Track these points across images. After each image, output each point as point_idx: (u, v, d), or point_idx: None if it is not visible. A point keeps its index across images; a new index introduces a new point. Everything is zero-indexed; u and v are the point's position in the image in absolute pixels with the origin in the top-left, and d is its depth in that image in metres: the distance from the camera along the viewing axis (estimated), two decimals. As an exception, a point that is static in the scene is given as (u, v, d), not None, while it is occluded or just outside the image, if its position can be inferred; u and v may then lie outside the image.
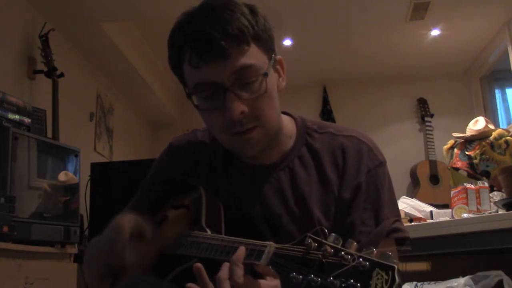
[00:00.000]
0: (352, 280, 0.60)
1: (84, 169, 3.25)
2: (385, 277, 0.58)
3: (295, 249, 0.69)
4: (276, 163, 1.03)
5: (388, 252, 0.61)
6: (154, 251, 0.95)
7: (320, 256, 0.65)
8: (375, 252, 0.62)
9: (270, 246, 0.75)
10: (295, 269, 0.66)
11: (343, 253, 0.63)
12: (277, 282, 0.77)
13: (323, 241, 0.66)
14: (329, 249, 0.65)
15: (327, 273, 0.62)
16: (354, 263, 0.61)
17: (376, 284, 0.58)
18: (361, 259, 0.61)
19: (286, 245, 0.72)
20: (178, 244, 0.94)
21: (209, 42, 0.88)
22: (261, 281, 0.77)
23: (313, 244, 0.66)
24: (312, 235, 0.68)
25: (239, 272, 0.76)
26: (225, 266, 0.78)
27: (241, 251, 0.77)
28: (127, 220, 0.94)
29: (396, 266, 0.59)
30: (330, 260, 0.63)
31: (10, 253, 2.09)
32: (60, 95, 3.15)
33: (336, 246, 0.65)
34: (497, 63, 4.71)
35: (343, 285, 0.60)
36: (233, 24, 0.89)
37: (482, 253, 2.19)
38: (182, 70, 0.96)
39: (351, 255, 0.62)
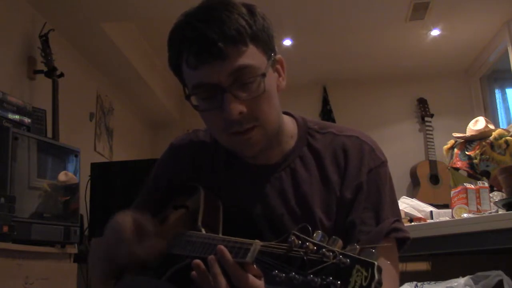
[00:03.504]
0: (331, 277, 0.59)
1: (84, 169, 3.25)
2: (365, 274, 0.58)
3: (279, 246, 0.69)
4: (277, 163, 1.03)
5: (371, 249, 0.61)
6: (157, 244, 0.95)
7: (302, 253, 0.65)
8: (358, 249, 0.61)
9: (256, 244, 0.75)
10: (278, 267, 0.66)
11: (324, 250, 0.62)
12: (261, 283, 0.77)
13: (306, 238, 0.66)
14: (311, 246, 0.64)
15: (308, 270, 0.62)
16: (334, 260, 0.61)
17: (356, 281, 0.58)
18: (341, 256, 0.60)
19: (271, 243, 0.72)
20: (173, 244, 0.94)
21: (207, 43, 0.88)
22: (250, 276, 0.77)
23: (296, 241, 0.66)
24: (296, 233, 0.68)
25: (230, 266, 0.77)
26: (214, 262, 0.78)
27: (223, 251, 0.78)
28: (125, 218, 0.94)
29: (375, 263, 0.58)
30: (312, 257, 0.63)
31: (10, 253, 2.09)
32: (60, 95, 3.15)
33: (318, 243, 0.64)
34: (497, 63, 4.71)
35: (323, 282, 0.60)
36: (231, 25, 0.89)
37: (482, 253, 2.20)
38: (181, 71, 0.96)
39: (333, 252, 0.62)
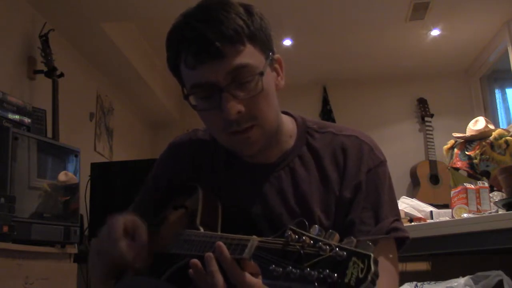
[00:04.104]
0: (328, 270, 0.60)
1: (84, 169, 3.25)
2: (361, 266, 0.58)
3: (277, 241, 0.69)
4: (276, 163, 1.03)
5: (367, 241, 0.61)
6: (148, 248, 0.95)
7: (298, 247, 0.65)
8: (355, 242, 0.62)
9: (253, 240, 0.75)
10: (275, 262, 0.66)
11: (321, 243, 0.63)
12: (258, 281, 0.77)
13: (303, 232, 0.66)
14: (308, 240, 0.65)
15: (304, 264, 0.63)
16: (331, 253, 0.61)
17: (352, 273, 0.58)
18: (337, 249, 0.61)
19: (269, 238, 0.72)
20: (173, 243, 0.94)
21: (204, 43, 0.89)
22: (248, 275, 0.77)
23: (293, 236, 0.67)
24: (293, 227, 0.68)
25: (227, 263, 0.77)
26: (211, 259, 0.78)
27: (222, 247, 0.78)
28: (119, 219, 0.94)
29: (372, 255, 0.59)
30: (308, 251, 0.64)
31: (10, 253, 2.09)
32: (60, 95, 3.15)
33: (315, 236, 0.65)
34: (497, 63, 4.71)
35: (320, 275, 0.60)
36: (228, 25, 0.89)
37: (482, 253, 2.20)
38: (179, 71, 0.96)
39: (329, 245, 0.62)
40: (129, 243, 0.91)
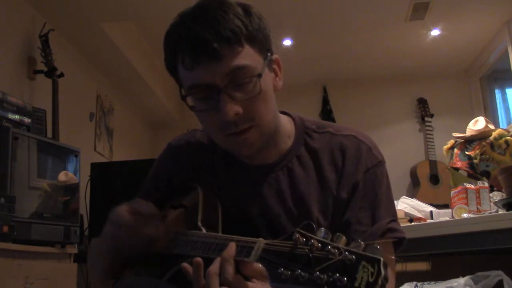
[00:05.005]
0: (338, 274, 0.60)
1: (84, 169, 3.25)
2: (371, 270, 0.58)
3: (284, 244, 0.69)
4: (274, 163, 1.03)
5: (375, 245, 0.61)
6: (158, 225, 0.96)
7: (307, 250, 0.65)
8: (363, 245, 0.61)
9: (260, 242, 0.74)
10: (283, 265, 0.66)
11: (329, 247, 0.63)
12: (265, 284, 0.75)
13: (311, 235, 0.66)
14: (316, 243, 0.64)
15: (314, 268, 0.62)
16: (340, 257, 0.61)
17: (362, 277, 0.58)
18: (347, 253, 0.60)
19: (275, 240, 0.71)
20: (174, 244, 0.94)
21: (202, 44, 0.88)
22: (250, 283, 0.76)
23: (301, 239, 0.66)
24: (300, 230, 0.67)
25: (229, 268, 0.75)
26: (216, 261, 0.77)
27: (232, 247, 0.77)
28: (122, 206, 0.96)
29: (381, 259, 0.59)
30: (317, 255, 0.63)
31: (10, 253, 2.09)
32: (60, 95, 3.15)
33: (323, 240, 0.64)
34: (497, 63, 4.71)
35: (330, 279, 0.60)
36: (226, 26, 0.88)
37: (482, 253, 2.20)
38: (177, 72, 0.96)
39: (338, 248, 0.62)
40: (142, 218, 0.93)
